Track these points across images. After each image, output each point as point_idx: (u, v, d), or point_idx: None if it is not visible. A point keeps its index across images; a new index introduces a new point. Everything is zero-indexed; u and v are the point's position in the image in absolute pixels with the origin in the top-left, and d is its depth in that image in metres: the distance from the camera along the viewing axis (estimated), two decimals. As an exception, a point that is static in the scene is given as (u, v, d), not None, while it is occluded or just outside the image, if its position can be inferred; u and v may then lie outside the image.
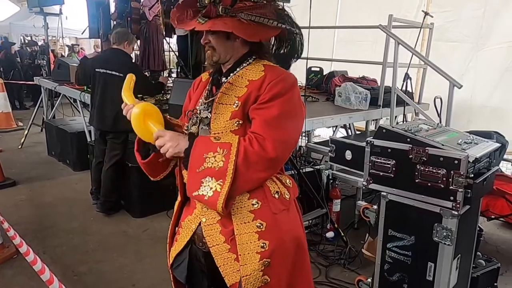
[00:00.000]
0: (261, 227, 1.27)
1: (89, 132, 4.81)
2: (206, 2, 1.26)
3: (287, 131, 1.26)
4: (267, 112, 1.24)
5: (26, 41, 12.75)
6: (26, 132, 6.30)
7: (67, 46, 12.74)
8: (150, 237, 3.39)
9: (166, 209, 3.71)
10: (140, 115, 1.29)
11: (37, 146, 6.12)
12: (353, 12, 6.41)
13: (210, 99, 1.37)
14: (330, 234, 3.32)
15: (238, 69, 1.34)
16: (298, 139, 1.36)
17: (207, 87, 1.43)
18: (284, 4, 1.35)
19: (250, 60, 1.35)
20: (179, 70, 5.45)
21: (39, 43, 11.64)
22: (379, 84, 4.33)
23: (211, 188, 1.20)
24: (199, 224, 1.36)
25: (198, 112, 1.38)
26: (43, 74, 7.67)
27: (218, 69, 1.41)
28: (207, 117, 1.34)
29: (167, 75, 5.92)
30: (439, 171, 1.77)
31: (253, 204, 1.28)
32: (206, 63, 1.39)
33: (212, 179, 1.20)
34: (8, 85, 8.34)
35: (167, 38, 5.65)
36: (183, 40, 5.15)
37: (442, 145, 1.81)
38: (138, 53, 6.15)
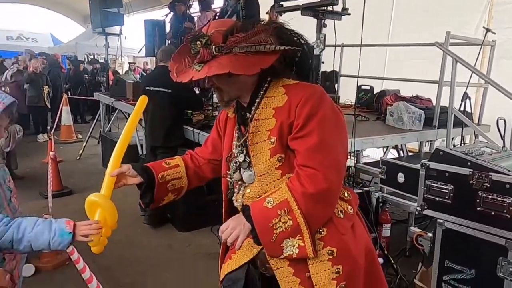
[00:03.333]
0: (333, 253, 1.24)
1: (141, 145, 4.99)
2: (198, 46, 1.18)
3: (334, 152, 1.20)
4: (307, 140, 1.18)
5: (89, 59, 13.72)
6: (84, 144, 6.73)
7: (129, 63, 13.64)
8: (192, 253, 3.39)
9: (211, 224, 3.72)
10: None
11: (93, 158, 6.46)
12: (406, 28, 6.21)
13: (242, 140, 1.32)
14: (379, 261, 3.14)
15: (258, 101, 1.28)
16: (347, 151, 1.29)
17: (236, 127, 1.37)
18: (282, 19, 1.28)
19: (266, 85, 1.28)
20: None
21: (100, 61, 12.48)
22: (434, 104, 4.12)
23: (293, 246, 1.20)
24: (262, 248, 1.29)
25: (236, 156, 1.34)
26: (102, 90, 8.17)
27: (239, 104, 1.34)
28: (245, 160, 1.31)
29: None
30: (504, 199, 1.61)
31: (319, 232, 1.25)
32: (219, 105, 1.33)
33: (290, 239, 1.20)
34: (74, 100, 8.96)
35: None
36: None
37: (508, 170, 1.66)
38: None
